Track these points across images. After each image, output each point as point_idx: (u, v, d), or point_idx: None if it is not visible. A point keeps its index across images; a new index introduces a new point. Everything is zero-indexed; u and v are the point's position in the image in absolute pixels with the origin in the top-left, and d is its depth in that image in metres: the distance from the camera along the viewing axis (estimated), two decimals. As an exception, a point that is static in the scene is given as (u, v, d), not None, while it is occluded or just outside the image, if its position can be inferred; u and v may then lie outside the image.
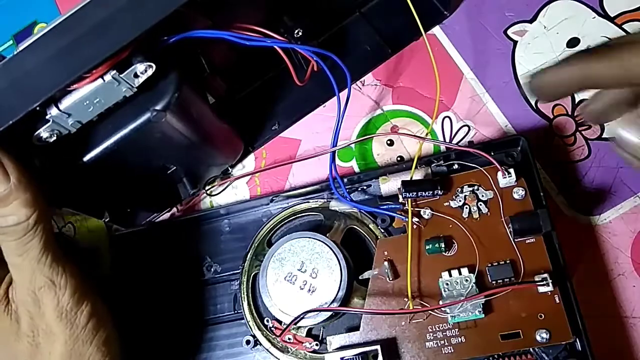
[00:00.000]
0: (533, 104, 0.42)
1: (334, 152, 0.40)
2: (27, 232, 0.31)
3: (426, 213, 0.38)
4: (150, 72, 0.33)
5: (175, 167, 0.42)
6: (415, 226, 0.38)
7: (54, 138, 0.32)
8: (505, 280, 0.36)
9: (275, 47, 0.38)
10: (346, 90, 0.40)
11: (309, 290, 0.38)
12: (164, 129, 0.36)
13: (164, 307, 0.43)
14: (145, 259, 0.45)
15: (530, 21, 0.42)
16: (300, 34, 0.41)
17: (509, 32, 0.43)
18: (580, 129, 0.41)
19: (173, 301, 0.44)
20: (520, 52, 0.43)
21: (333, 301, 0.37)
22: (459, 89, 0.43)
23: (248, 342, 0.41)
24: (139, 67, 0.32)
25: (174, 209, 0.47)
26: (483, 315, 0.35)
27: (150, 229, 0.45)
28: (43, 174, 0.33)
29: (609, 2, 0.42)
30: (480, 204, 0.38)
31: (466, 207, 0.38)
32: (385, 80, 0.45)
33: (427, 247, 0.37)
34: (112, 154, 0.35)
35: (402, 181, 0.38)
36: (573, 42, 0.41)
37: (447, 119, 0.43)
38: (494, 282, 0.36)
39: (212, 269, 0.44)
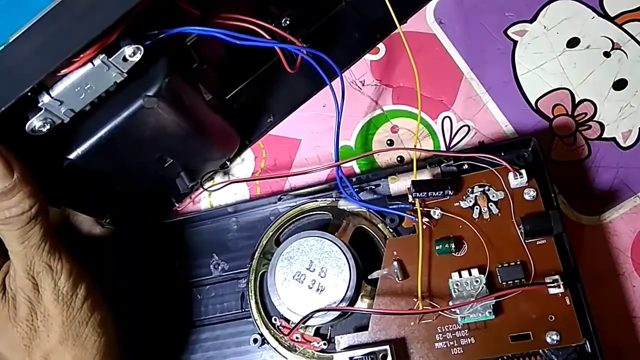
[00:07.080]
0: (533, 104, 0.42)
1: (337, 152, 0.40)
2: (30, 221, 0.33)
3: (436, 213, 0.38)
4: (139, 55, 0.33)
5: (172, 160, 0.41)
6: (425, 226, 0.37)
7: (47, 127, 0.33)
8: (516, 281, 0.36)
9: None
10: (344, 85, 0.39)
11: (318, 289, 0.38)
12: (157, 116, 0.36)
13: (171, 306, 0.43)
14: (152, 257, 0.44)
15: (530, 21, 0.42)
16: (288, 22, 0.40)
17: (509, 32, 0.43)
18: (580, 129, 0.41)
19: (180, 299, 0.43)
20: (520, 52, 0.42)
21: (342, 300, 0.37)
22: (459, 89, 0.43)
23: (255, 340, 0.40)
24: (127, 50, 0.32)
25: (174, 206, 0.46)
26: (493, 317, 0.35)
27: (157, 227, 0.45)
28: (40, 171, 0.34)
29: (609, 2, 0.42)
30: (491, 205, 0.37)
31: (476, 208, 0.38)
32: (385, 80, 0.45)
33: (437, 248, 0.37)
34: (107, 144, 0.35)
35: (413, 181, 0.38)
36: (573, 42, 0.41)
37: (447, 119, 0.43)
38: (504, 283, 0.36)
39: (220, 267, 0.44)
